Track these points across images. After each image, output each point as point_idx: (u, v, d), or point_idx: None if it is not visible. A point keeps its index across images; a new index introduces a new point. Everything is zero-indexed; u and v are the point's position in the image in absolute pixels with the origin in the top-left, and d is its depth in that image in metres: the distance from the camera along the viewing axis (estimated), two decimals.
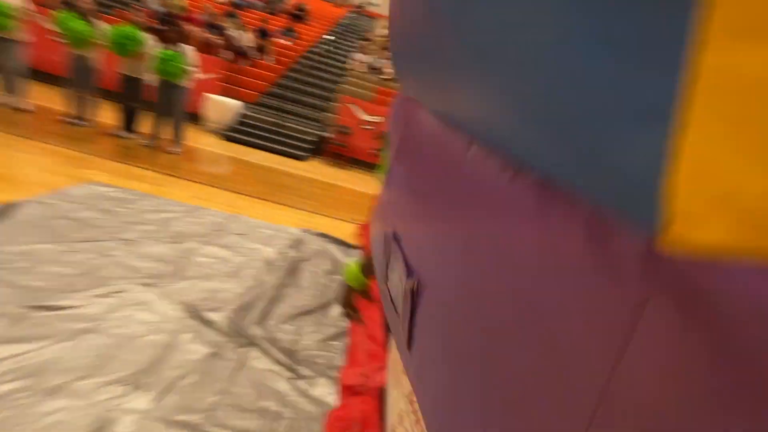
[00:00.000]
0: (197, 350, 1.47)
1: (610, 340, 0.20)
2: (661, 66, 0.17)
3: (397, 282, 0.50)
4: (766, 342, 0.14)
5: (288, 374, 1.48)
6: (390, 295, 0.55)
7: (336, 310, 2.03)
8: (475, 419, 0.33)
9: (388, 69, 9.52)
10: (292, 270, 2.32)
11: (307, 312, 1.94)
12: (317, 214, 3.69)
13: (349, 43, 9.75)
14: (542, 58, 0.26)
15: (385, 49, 8.80)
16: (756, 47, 0.14)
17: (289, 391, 1.41)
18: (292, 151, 6.42)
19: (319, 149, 7.02)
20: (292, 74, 8.05)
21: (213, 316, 1.67)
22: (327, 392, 1.45)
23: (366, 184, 5.92)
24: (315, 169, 5.97)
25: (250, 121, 6.57)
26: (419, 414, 0.58)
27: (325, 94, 8.00)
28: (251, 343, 1.59)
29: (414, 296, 0.45)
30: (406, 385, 0.64)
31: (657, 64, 0.17)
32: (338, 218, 3.72)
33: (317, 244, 2.83)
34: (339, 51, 9.29)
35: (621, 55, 0.19)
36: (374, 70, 9.25)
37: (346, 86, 8.12)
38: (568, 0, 0.23)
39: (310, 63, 8.50)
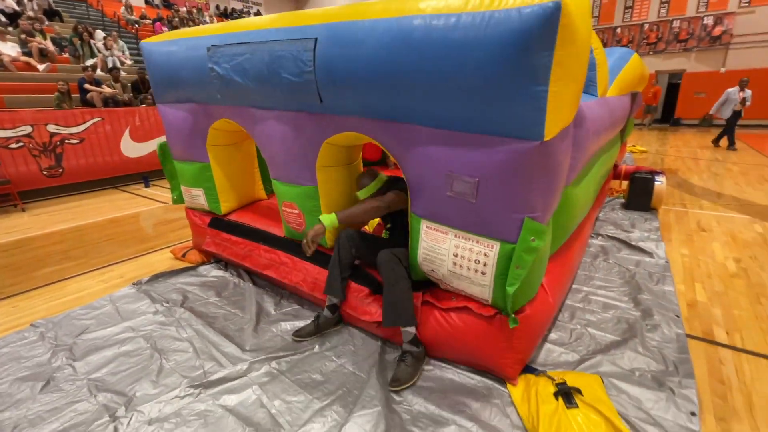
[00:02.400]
0: None
1: (528, 170, 1.37)
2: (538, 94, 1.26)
3: (462, 184, 1.47)
4: (553, 161, 1.38)
5: None
6: (457, 192, 1.51)
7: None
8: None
9: None
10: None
11: None
12: (96, 270, 3.09)
13: None
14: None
15: None
16: (564, 86, 1.27)
17: None
18: None
19: None
20: None
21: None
22: None
23: (75, 213, 4.77)
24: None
25: None
26: (469, 244, 1.52)
27: None
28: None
29: (478, 184, 1.44)
30: (450, 240, 1.59)
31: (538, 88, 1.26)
32: (124, 259, 3.26)
33: (173, 285, 2.66)
34: None
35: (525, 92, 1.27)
36: None
37: None
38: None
39: None
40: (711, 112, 8.36)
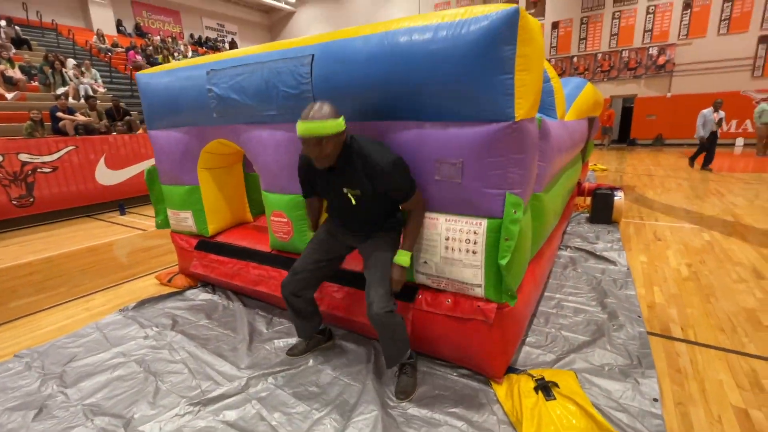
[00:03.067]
0: None
1: (504, 147, 1.60)
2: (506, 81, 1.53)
3: (448, 167, 1.68)
4: (526, 140, 1.62)
5: None
6: (444, 175, 1.71)
7: None
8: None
9: None
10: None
11: None
12: (80, 297, 3.05)
13: None
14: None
15: None
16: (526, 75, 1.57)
17: None
18: None
19: None
20: None
21: None
22: None
23: (48, 243, 4.66)
24: None
25: None
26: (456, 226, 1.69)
27: None
28: None
29: (463, 164, 1.65)
30: (441, 225, 1.77)
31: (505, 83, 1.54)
32: (102, 288, 3.22)
33: (161, 310, 2.67)
34: None
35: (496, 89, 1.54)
36: None
37: None
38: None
39: None
40: (697, 136, 8.09)
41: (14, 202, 5.18)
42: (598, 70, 14.38)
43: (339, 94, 1.86)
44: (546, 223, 2.39)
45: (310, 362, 2.06)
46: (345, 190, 1.70)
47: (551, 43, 15.00)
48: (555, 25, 14.81)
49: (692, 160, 8.48)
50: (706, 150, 8.03)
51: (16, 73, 8.01)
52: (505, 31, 1.48)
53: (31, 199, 5.34)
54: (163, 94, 2.57)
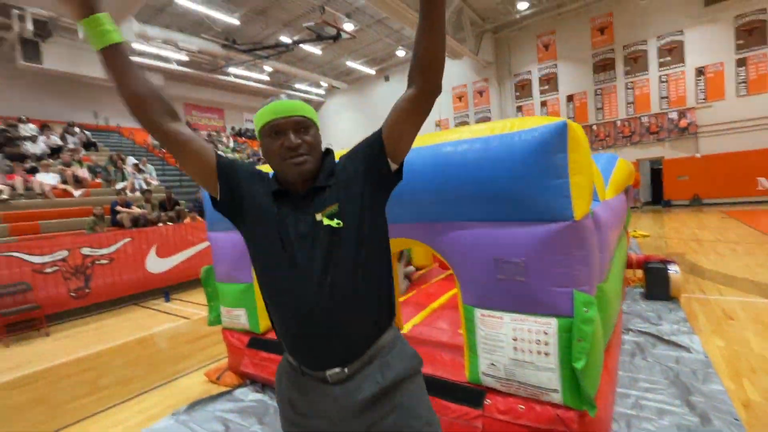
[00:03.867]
0: None
1: (567, 246, 1.63)
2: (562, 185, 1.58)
3: (510, 266, 1.71)
4: (586, 237, 1.67)
5: None
6: (507, 274, 1.73)
7: None
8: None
9: None
10: None
11: None
12: (140, 394, 3.03)
13: None
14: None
15: None
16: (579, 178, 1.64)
17: None
18: None
19: None
20: None
21: None
22: None
23: (99, 335, 4.78)
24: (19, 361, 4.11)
25: None
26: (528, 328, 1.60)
27: None
28: None
29: (525, 263, 1.68)
30: (507, 325, 1.70)
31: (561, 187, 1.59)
32: (168, 380, 3.21)
33: (212, 414, 2.60)
34: None
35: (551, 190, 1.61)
36: None
37: None
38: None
39: None
40: None
41: (72, 294, 5.48)
42: (619, 135, 14.63)
43: (396, 201, 1.96)
44: (611, 312, 2.28)
45: None
46: (319, 218, 0.99)
47: (568, 114, 15.59)
48: (570, 98, 15.53)
49: None
50: None
51: (84, 173, 8.99)
52: (556, 140, 1.60)
53: (87, 291, 5.63)
54: None
